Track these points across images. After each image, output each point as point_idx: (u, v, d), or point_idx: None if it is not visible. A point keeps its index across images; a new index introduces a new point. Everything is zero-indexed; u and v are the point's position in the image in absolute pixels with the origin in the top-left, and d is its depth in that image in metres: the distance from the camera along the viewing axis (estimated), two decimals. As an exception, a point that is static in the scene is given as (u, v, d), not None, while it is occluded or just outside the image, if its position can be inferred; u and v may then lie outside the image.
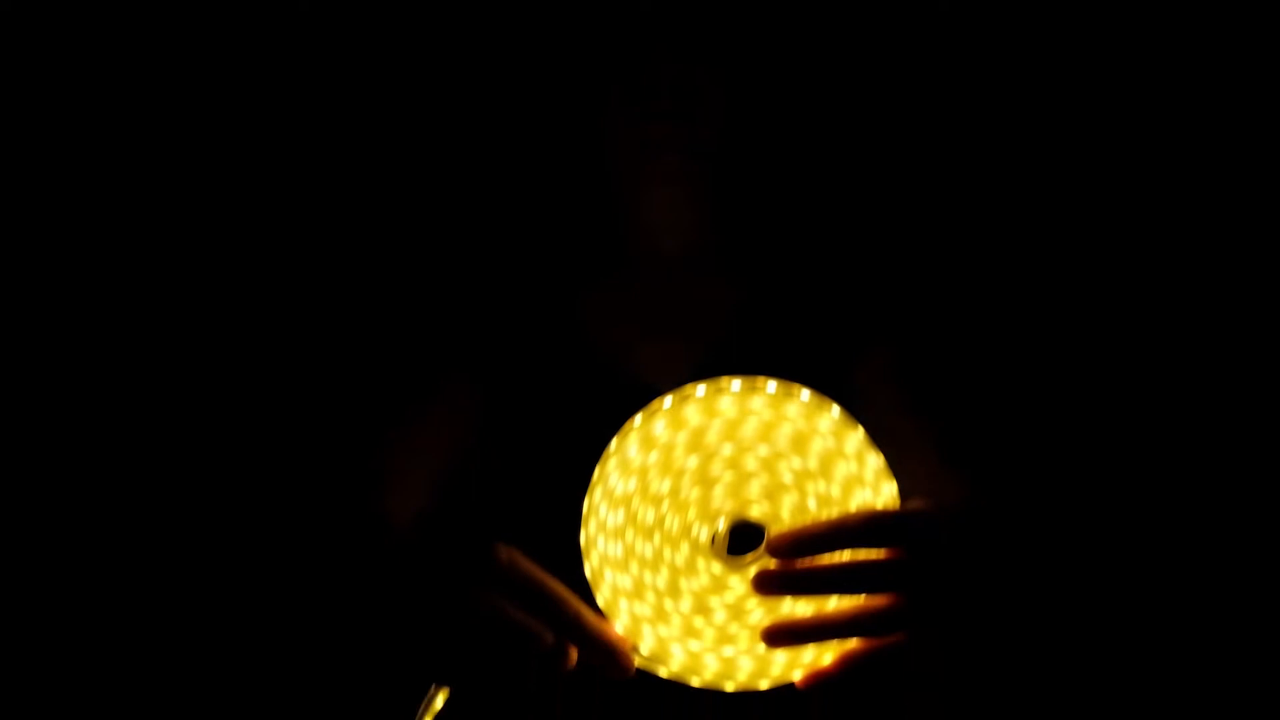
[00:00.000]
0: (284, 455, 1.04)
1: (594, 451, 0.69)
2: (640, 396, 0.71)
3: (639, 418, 0.67)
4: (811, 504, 0.66)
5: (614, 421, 0.69)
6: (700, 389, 0.66)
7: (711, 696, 0.70)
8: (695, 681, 0.69)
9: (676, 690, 0.70)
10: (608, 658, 0.66)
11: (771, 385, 0.66)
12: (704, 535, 0.67)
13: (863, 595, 0.65)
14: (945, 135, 1.20)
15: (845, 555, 0.65)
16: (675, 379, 0.72)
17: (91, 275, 1.19)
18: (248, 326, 1.20)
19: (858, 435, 0.66)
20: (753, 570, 0.65)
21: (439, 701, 0.71)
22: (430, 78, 1.22)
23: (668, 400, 0.66)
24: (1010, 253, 1.17)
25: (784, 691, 0.69)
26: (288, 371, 1.15)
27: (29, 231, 1.19)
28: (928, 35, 1.20)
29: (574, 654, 0.67)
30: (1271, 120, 1.15)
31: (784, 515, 0.66)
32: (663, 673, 0.69)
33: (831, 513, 0.66)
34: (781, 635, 0.65)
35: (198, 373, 1.18)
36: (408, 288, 0.99)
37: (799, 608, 0.67)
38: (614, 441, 0.67)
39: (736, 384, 0.66)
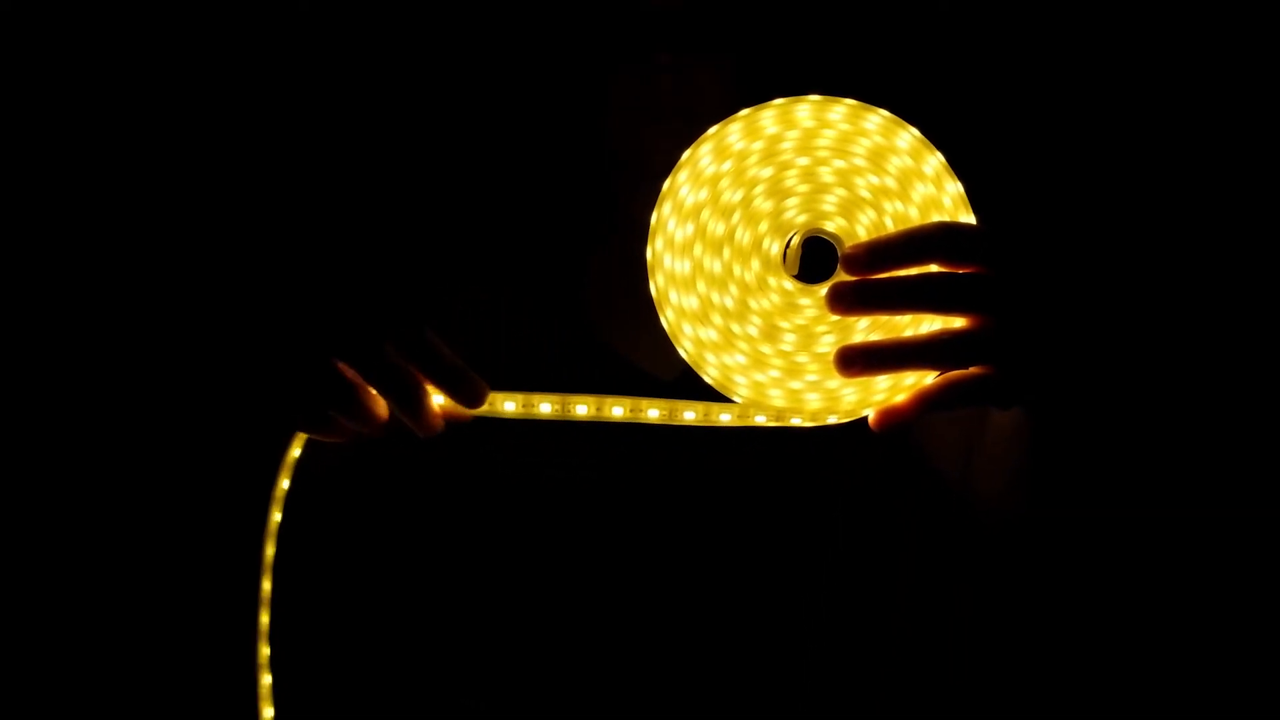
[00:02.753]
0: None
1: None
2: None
3: (714, 127, 0.65)
4: (889, 224, 0.63)
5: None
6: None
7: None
8: (760, 419, 0.65)
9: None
10: (459, 382, 0.66)
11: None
12: (775, 250, 0.64)
13: (942, 320, 0.62)
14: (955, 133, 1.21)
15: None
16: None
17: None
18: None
19: (937, 159, 0.64)
20: (826, 288, 0.62)
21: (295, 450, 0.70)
22: (425, 67, 1.23)
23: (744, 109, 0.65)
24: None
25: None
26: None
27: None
28: (930, 35, 1.22)
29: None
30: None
31: (860, 233, 0.63)
32: (724, 419, 0.65)
33: None
34: (855, 357, 0.62)
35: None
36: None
37: (874, 337, 0.64)
38: (687, 152, 0.64)
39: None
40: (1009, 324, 0.61)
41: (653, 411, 0.67)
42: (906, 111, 0.64)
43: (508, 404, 0.69)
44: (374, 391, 0.66)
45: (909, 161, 0.64)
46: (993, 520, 0.90)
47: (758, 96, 0.94)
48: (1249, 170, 1.08)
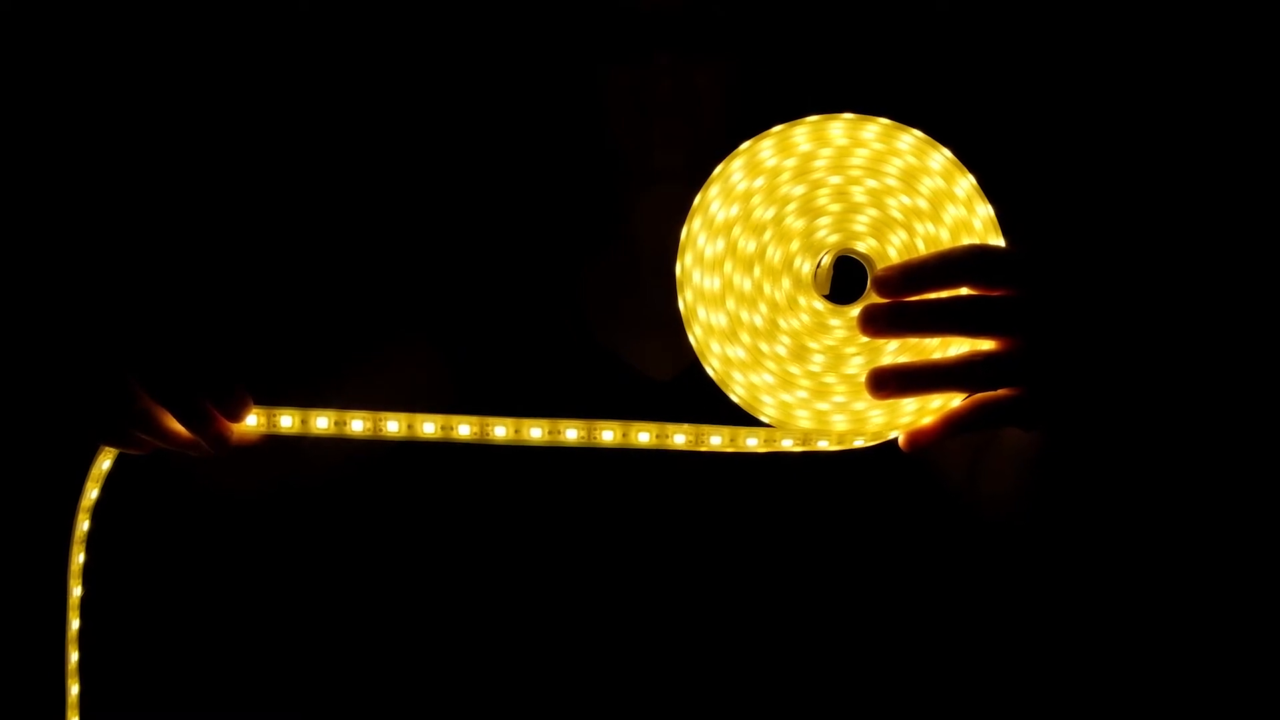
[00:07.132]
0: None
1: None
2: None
3: (746, 143, 0.63)
4: (920, 245, 0.63)
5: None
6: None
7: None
8: (787, 444, 0.64)
9: None
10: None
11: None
12: (807, 269, 0.63)
13: (970, 342, 0.62)
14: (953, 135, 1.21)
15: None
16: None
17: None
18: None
19: (969, 180, 0.63)
20: (857, 310, 0.62)
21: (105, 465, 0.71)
22: (429, 68, 1.21)
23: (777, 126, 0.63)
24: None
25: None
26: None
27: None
28: (928, 36, 1.22)
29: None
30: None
31: (891, 254, 0.63)
32: (751, 444, 0.64)
33: None
34: (888, 379, 0.61)
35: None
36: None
37: (902, 359, 0.63)
38: (719, 166, 0.63)
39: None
40: (1039, 346, 0.61)
41: (679, 437, 0.65)
42: (906, 113, 0.64)
43: (498, 429, 0.67)
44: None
45: (941, 183, 0.63)
46: (997, 524, 0.90)
47: (758, 99, 0.94)
48: (1271, 184, 1.08)
